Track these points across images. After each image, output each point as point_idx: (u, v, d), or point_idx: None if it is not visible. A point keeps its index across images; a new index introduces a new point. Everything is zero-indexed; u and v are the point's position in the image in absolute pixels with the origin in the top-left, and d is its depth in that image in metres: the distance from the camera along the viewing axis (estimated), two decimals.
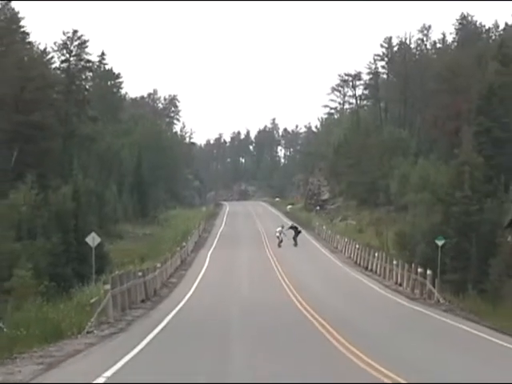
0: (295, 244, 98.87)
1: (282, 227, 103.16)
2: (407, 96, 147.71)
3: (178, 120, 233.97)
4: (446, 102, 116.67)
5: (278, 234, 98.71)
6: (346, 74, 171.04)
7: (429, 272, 55.12)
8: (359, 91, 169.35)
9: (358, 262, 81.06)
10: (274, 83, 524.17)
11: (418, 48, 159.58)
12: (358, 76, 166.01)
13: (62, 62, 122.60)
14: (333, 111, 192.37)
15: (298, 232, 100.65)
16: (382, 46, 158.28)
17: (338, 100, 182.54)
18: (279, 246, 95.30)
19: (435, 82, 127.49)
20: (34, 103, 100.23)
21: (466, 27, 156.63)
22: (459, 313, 47.02)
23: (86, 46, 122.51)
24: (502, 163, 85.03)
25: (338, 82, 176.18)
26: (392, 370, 24.29)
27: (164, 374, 25.94)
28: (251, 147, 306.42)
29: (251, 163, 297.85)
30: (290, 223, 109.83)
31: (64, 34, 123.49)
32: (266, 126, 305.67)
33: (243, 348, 30.97)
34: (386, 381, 23.32)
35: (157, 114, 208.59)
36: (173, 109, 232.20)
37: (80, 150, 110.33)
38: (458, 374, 26.36)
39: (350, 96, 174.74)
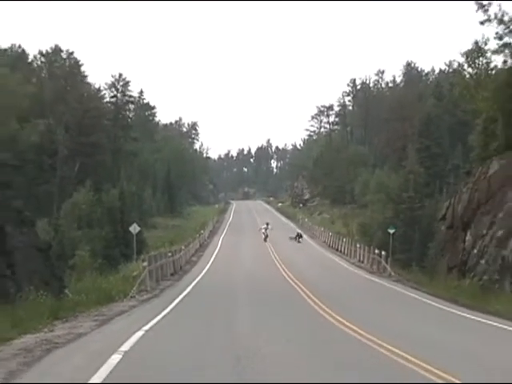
0: (298, 242, 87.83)
1: (267, 224, 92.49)
2: (367, 122, 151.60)
3: (197, 140, 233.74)
4: (395, 127, 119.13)
5: (263, 231, 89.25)
6: (322, 106, 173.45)
7: (383, 253, 55.64)
8: (331, 118, 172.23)
9: (331, 245, 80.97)
10: (270, 112, 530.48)
11: (375, 86, 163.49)
12: (330, 107, 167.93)
13: (112, 97, 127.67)
14: (312, 133, 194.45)
15: (299, 237, 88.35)
16: (348, 85, 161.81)
17: (316, 125, 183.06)
18: (265, 240, 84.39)
19: (388, 112, 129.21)
20: (91, 128, 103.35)
21: (411, 71, 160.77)
22: (405, 283, 46.95)
23: (129, 85, 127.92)
24: (437, 172, 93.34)
25: (316, 111, 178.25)
26: (352, 322, 23.80)
27: (190, 318, 27.23)
28: (252, 160, 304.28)
29: (252, 172, 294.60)
30: (297, 231, 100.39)
31: (112, 76, 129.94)
32: (262, 145, 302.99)
33: (247, 300, 32.94)
34: (347, 325, 23.82)
35: (182, 136, 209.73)
36: (193, 131, 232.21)
37: (125, 162, 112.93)
38: (402, 324, 27.12)
39: (325, 122, 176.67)
